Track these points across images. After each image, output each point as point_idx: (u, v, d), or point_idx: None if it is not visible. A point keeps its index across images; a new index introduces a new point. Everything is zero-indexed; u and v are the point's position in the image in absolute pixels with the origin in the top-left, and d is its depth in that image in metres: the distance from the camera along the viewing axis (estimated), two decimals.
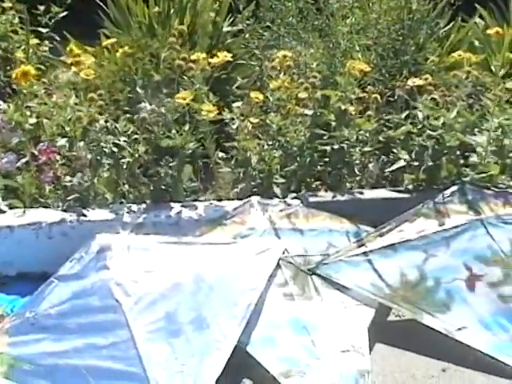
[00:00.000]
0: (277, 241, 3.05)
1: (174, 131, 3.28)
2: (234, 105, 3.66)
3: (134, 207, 3.23)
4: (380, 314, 2.90)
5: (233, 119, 3.55)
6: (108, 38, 4.78)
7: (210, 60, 3.40)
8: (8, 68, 4.72)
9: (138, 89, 3.39)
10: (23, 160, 3.51)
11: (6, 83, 4.49)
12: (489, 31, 4.13)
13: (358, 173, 3.63)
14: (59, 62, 4.79)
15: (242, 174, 3.59)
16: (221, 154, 3.73)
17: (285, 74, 3.66)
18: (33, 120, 3.65)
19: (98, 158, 3.23)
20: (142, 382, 2.43)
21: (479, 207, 3.17)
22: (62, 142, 3.41)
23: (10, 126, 3.66)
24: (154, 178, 3.32)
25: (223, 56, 3.43)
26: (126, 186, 3.33)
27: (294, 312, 2.77)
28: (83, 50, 3.73)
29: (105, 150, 3.24)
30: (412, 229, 3.07)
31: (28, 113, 3.68)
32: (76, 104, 3.29)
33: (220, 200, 3.52)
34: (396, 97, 3.70)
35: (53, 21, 5.12)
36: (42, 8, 5.09)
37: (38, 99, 3.73)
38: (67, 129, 3.61)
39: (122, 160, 3.26)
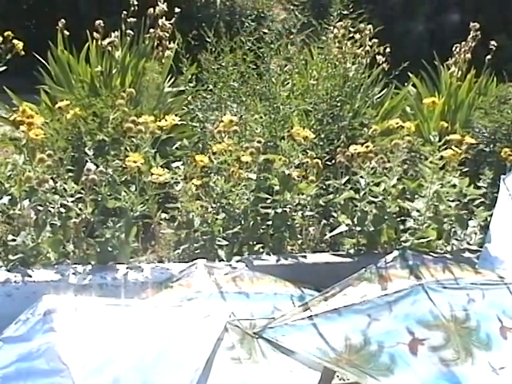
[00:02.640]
0: (223, 304, 3.06)
1: (123, 193, 3.28)
2: (174, 165, 3.69)
3: (80, 268, 3.22)
4: (325, 378, 2.93)
5: (177, 181, 3.58)
6: (48, 94, 4.81)
7: (159, 123, 3.44)
8: None
9: (87, 150, 3.40)
10: None
11: None
12: (425, 101, 4.29)
13: (299, 236, 3.69)
14: None
15: (184, 236, 3.60)
16: (163, 215, 3.75)
17: (229, 137, 3.72)
18: None
19: (44, 217, 3.21)
20: None
21: (420, 272, 3.24)
22: (4, 200, 3.39)
23: None
24: (100, 239, 3.31)
25: (171, 119, 3.48)
26: (71, 247, 3.31)
27: (241, 376, 2.77)
28: (28, 107, 3.70)
29: (51, 210, 3.22)
30: (355, 293, 3.12)
31: None
32: (24, 163, 3.27)
33: (161, 261, 3.53)
34: (337, 162, 3.78)
35: None
36: None
37: None
38: (7, 185, 3.58)
39: (69, 220, 3.24)
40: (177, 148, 4.40)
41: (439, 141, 3.69)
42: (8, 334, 2.74)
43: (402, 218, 3.71)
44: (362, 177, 3.57)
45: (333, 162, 4.08)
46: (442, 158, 3.65)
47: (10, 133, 4.78)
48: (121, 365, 2.63)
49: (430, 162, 3.65)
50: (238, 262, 3.39)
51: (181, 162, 3.74)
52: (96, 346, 2.67)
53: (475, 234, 3.77)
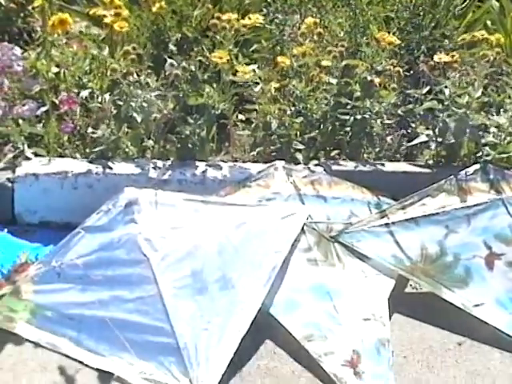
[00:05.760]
0: (301, 206, 3.06)
1: (206, 90, 3.26)
2: (250, 67, 3.64)
3: (160, 163, 3.24)
4: (398, 286, 2.93)
5: (256, 82, 3.54)
6: None
7: (243, 21, 3.39)
8: (22, 15, 4.65)
9: (170, 45, 3.37)
10: (43, 109, 3.47)
11: (23, 30, 4.42)
12: None
13: (377, 144, 3.65)
14: (75, 12, 4.74)
15: (260, 138, 3.59)
16: (240, 116, 3.73)
17: (311, 40, 3.65)
18: (55, 69, 3.63)
19: (126, 111, 3.21)
20: (168, 336, 2.44)
21: (500, 187, 3.19)
22: (85, 93, 3.40)
23: (30, 74, 3.62)
24: (180, 136, 3.31)
25: (255, 18, 3.42)
26: (151, 142, 3.32)
27: (317, 277, 2.79)
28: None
29: (132, 104, 3.22)
30: (434, 204, 3.09)
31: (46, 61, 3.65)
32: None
33: (236, 161, 3.52)
34: (419, 71, 3.70)
35: None
36: None
37: (59, 48, 3.69)
38: (85, 80, 3.59)
39: (151, 115, 3.24)
40: (253, 51, 4.33)
41: None
42: (90, 223, 2.79)
43: (483, 131, 3.63)
44: (446, 87, 3.49)
45: (411, 72, 4.01)
46: None
47: (85, 29, 4.75)
48: (199, 259, 2.67)
49: None
50: (316, 165, 3.37)
51: (256, 65, 3.68)
52: (175, 240, 2.70)
53: None
